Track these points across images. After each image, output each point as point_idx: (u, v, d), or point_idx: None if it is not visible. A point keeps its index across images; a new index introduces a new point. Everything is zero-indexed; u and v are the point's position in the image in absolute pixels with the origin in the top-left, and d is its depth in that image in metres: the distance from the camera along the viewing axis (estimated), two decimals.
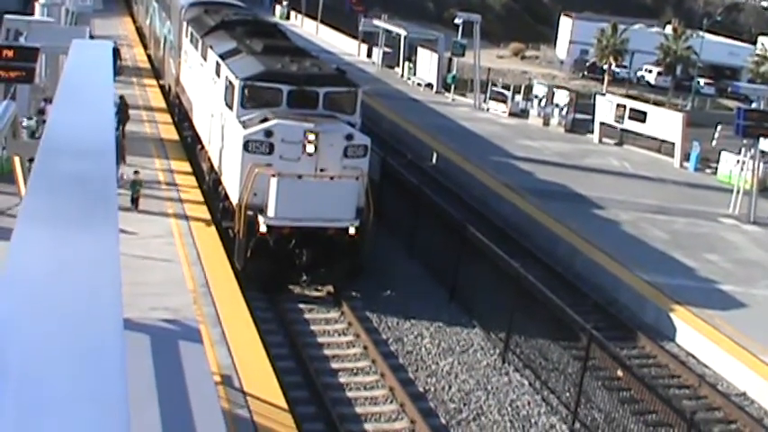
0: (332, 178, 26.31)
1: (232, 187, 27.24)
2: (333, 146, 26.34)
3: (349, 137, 26.68)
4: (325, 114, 27.46)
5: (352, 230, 26.54)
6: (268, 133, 26.02)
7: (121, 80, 46.24)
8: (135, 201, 28.80)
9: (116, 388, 3.09)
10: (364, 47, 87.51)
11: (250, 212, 26.02)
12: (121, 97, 36.05)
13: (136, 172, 29.14)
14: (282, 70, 27.96)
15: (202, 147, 33.47)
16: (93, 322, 3.53)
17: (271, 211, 25.84)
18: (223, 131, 28.87)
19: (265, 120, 26.47)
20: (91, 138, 6.19)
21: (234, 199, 26.81)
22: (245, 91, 27.19)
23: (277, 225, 26.05)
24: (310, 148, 25.98)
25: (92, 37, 40.75)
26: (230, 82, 28.01)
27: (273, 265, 26.50)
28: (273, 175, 25.66)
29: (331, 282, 27.81)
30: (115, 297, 3.80)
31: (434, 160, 46.47)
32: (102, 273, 3.99)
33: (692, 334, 28.20)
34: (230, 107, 27.78)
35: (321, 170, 26.30)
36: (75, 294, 3.74)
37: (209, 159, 31.76)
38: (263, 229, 25.93)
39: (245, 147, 26.04)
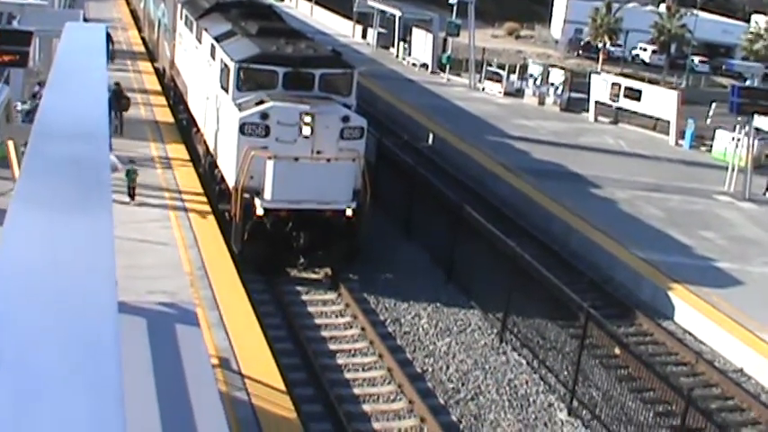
0: (328, 160, 26.16)
1: (228, 170, 27.07)
2: (329, 128, 26.18)
3: (345, 118, 26.51)
4: (321, 96, 27.27)
5: (349, 212, 26.43)
6: (264, 115, 25.84)
7: (116, 63, 46.10)
8: (131, 191, 28.35)
9: (110, 372, 3.08)
10: (359, 28, 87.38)
11: (246, 195, 25.85)
12: (117, 84, 35.73)
13: (131, 161, 28.80)
14: (278, 52, 27.74)
15: (198, 130, 33.23)
16: (88, 306, 3.53)
17: (267, 194, 25.72)
18: (219, 114, 28.66)
19: (261, 102, 26.26)
20: (84, 121, 6.17)
21: (230, 182, 26.65)
22: (241, 73, 26.97)
23: (274, 208, 25.93)
24: (306, 131, 25.82)
25: (86, 20, 40.65)
26: (225, 64, 27.79)
27: (270, 248, 26.39)
28: (270, 158, 25.52)
29: (328, 264, 27.75)
30: (110, 280, 3.80)
31: (431, 141, 46.35)
32: (97, 256, 3.99)
33: (689, 311, 28.25)
34: (226, 90, 27.56)
35: (317, 152, 26.12)
36: (70, 278, 3.74)
37: (204, 142, 31.53)
38: (259, 211, 25.82)
39: (241, 129, 25.83)
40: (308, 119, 25.79)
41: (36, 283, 3.60)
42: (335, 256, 27.36)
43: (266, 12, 37.07)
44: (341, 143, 26.41)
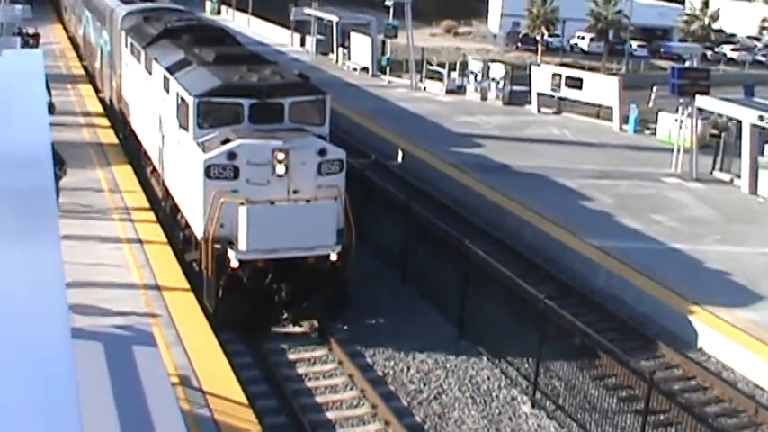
0: (308, 201, 23.38)
1: (194, 218, 24.18)
2: (305, 164, 23.43)
3: (322, 152, 23.77)
4: (293, 128, 24.39)
5: (334, 256, 23.79)
6: (231, 155, 22.92)
7: (57, 88, 45.52)
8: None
9: (68, 401, 3.05)
10: (297, 36, 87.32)
11: (218, 246, 22.98)
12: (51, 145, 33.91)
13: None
14: (241, 82, 24.80)
15: (154, 169, 30.65)
16: (41, 337, 3.48)
17: (242, 244, 22.78)
18: (179, 155, 25.93)
19: (227, 140, 23.39)
20: (27, 149, 6.11)
21: (198, 231, 23.82)
22: (201, 109, 24.06)
23: (250, 259, 23.03)
24: (280, 169, 23.14)
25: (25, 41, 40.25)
26: (182, 99, 24.89)
27: (249, 304, 23.58)
28: (242, 203, 22.61)
29: (315, 316, 25.13)
30: (61, 309, 3.75)
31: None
32: (47, 286, 3.94)
33: (644, 294, 28.42)
34: (185, 128, 24.67)
35: (294, 192, 23.48)
36: (21, 310, 3.69)
37: (163, 184, 28.69)
38: (234, 264, 22.92)
39: (207, 173, 22.90)
40: (281, 156, 23.09)
41: None
42: (322, 307, 24.63)
43: (220, 35, 33.53)
44: (319, 180, 23.73)
